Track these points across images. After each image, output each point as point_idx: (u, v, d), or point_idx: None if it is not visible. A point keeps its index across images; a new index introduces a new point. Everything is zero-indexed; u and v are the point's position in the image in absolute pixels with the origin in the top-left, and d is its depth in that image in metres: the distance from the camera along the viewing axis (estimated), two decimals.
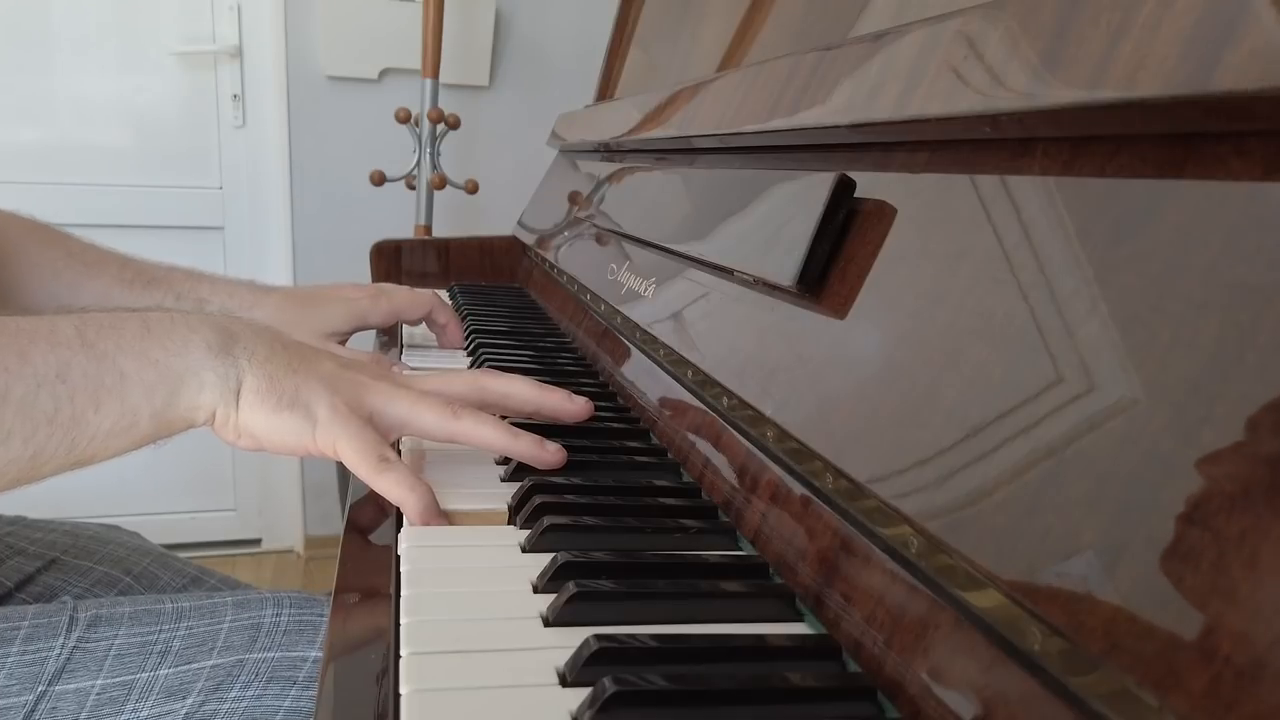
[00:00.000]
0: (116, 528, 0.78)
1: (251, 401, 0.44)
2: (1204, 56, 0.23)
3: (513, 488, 0.47)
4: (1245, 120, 0.23)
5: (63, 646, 0.53)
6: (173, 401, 0.42)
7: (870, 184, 0.40)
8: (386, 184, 1.61)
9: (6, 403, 0.38)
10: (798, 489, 0.39)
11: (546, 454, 0.48)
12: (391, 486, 0.43)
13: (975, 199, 0.33)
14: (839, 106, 0.42)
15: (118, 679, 0.54)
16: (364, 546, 0.43)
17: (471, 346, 0.82)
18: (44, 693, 0.52)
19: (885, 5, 0.50)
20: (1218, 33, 0.23)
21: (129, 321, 0.43)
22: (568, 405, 0.52)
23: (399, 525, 0.43)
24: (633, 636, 0.32)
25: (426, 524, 0.43)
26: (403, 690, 0.30)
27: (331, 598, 0.38)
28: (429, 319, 0.82)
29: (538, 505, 0.43)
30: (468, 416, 0.47)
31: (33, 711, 0.52)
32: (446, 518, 0.44)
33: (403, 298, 0.80)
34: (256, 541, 2.03)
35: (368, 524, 0.45)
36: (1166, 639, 0.21)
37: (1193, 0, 0.24)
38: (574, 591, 0.34)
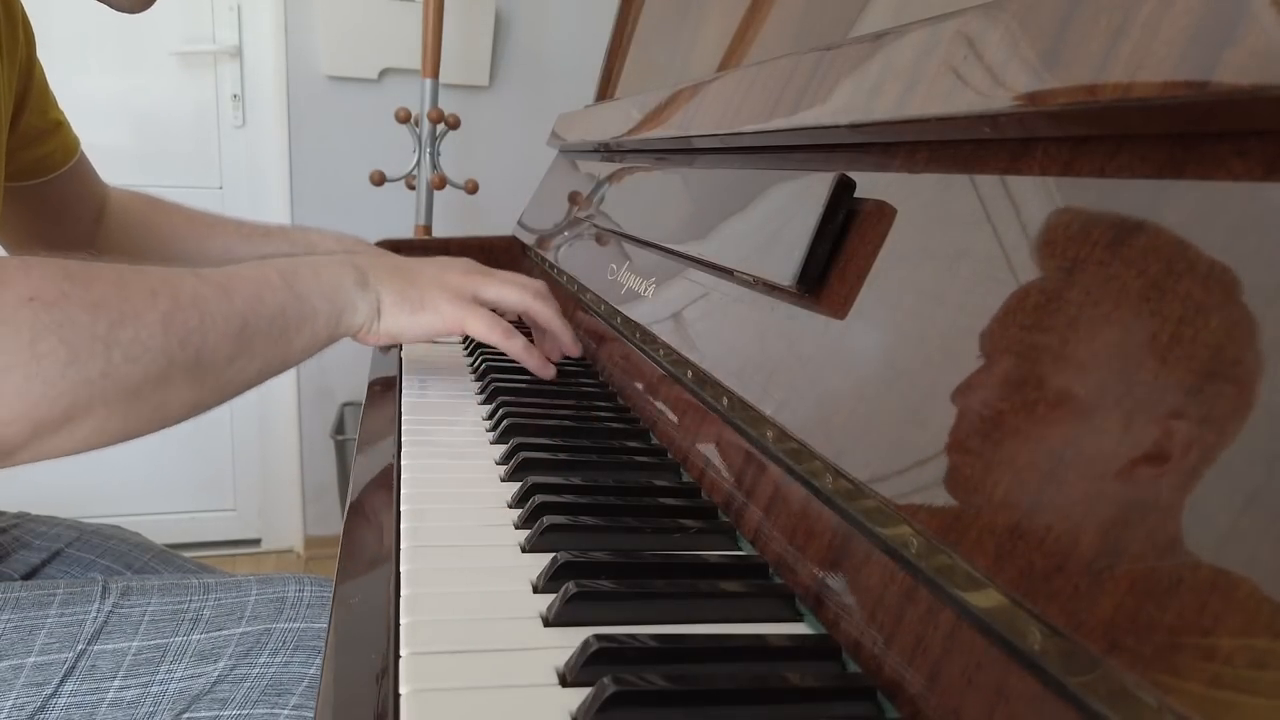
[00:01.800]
0: (118, 527, 0.79)
1: (392, 312, 0.60)
2: (1204, 57, 0.23)
3: (513, 487, 0.48)
4: (1245, 120, 0.23)
5: (98, 610, 0.57)
6: (338, 324, 0.58)
7: (870, 184, 0.40)
8: (386, 184, 1.61)
9: (257, 334, 0.52)
10: (798, 489, 0.39)
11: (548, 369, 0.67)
12: (519, 351, 0.64)
13: (975, 199, 0.33)
14: (839, 106, 0.42)
15: (152, 641, 0.57)
16: (364, 545, 0.43)
17: (471, 346, 0.82)
18: (83, 651, 0.56)
19: (885, 5, 0.50)
20: (1217, 33, 0.23)
21: (304, 267, 0.57)
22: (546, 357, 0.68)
23: (399, 525, 0.43)
24: (633, 636, 0.32)
25: (545, 374, 0.66)
26: (403, 690, 0.30)
27: (333, 596, 0.38)
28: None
29: (538, 505, 0.43)
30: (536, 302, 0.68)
31: (73, 668, 0.55)
32: (554, 370, 0.67)
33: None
34: (256, 541, 2.03)
35: (368, 523, 0.45)
36: (1166, 639, 0.21)
37: (1192, 1, 0.24)
38: (574, 591, 0.34)
